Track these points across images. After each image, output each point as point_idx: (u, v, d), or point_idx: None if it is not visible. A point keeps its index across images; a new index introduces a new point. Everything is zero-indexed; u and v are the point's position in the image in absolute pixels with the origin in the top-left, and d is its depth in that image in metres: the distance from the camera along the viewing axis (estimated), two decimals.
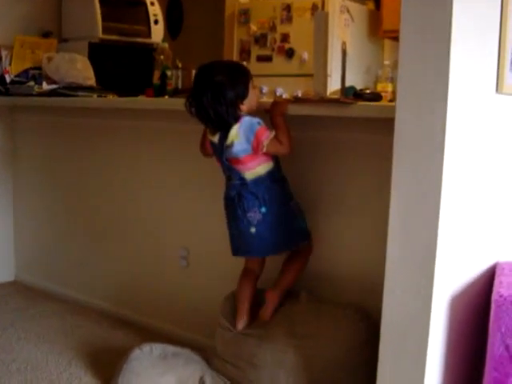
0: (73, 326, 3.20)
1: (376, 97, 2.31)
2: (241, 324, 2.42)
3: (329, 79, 3.24)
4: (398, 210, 1.83)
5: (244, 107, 2.29)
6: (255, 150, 2.28)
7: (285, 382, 2.27)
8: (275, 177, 2.36)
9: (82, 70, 3.54)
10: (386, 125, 1.90)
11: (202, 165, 2.67)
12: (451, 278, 1.88)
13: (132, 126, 3.21)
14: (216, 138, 2.34)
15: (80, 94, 3.32)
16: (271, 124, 2.36)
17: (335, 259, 2.51)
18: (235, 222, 2.37)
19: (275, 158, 2.38)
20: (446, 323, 1.89)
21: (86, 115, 3.41)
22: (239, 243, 2.40)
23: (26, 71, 3.67)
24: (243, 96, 2.28)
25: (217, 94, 2.24)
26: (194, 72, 3.20)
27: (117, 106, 3.17)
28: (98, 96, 3.26)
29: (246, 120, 2.28)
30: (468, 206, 1.90)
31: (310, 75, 4.42)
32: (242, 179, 2.33)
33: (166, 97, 3.09)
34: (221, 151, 2.34)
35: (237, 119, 2.28)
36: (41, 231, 3.84)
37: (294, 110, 2.38)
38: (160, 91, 3.17)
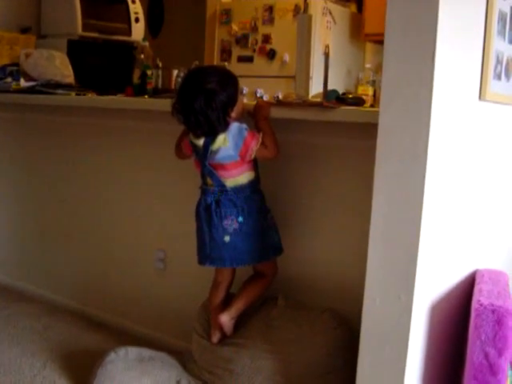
0: (47, 328, 3.14)
1: (359, 101, 2.30)
2: (215, 337, 2.40)
3: (310, 82, 3.22)
4: (380, 216, 1.82)
5: (233, 114, 2.26)
6: (243, 156, 2.25)
7: None
8: (255, 187, 2.33)
9: (61, 68, 3.49)
10: (369, 130, 1.89)
11: (180, 166, 2.64)
12: (431, 285, 1.87)
13: (109, 125, 3.17)
14: (201, 142, 2.28)
15: (58, 91, 3.26)
16: (255, 128, 2.34)
17: (313, 264, 2.49)
18: (209, 229, 2.31)
19: (257, 169, 2.35)
20: (426, 331, 1.89)
21: (63, 113, 3.36)
22: (210, 251, 2.33)
23: (3, 67, 3.61)
24: (234, 102, 2.24)
25: (209, 100, 2.18)
26: (174, 72, 3.20)
27: (95, 105, 3.12)
28: (76, 94, 3.21)
29: (234, 126, 2.25)
30: (449, 213, 1.90)
31: (291, 77, 4.43)
32: (222, 186, 2.29)
33: (146, 96, 3.05)
34: (204, 155, 2.29)
35: (227, 126, 2.24)
36: (15, 231, 3.79)
37: (275, 112, 2.35)
38: (140, 90, 3.14)
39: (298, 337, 2.26)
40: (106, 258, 3.27)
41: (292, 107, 2.30)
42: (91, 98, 3.11)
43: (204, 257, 2.35)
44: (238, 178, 2.28)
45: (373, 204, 1.81)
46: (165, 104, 2.74)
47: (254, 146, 2.24)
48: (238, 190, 2.28)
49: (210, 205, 2.30)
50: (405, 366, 1.82)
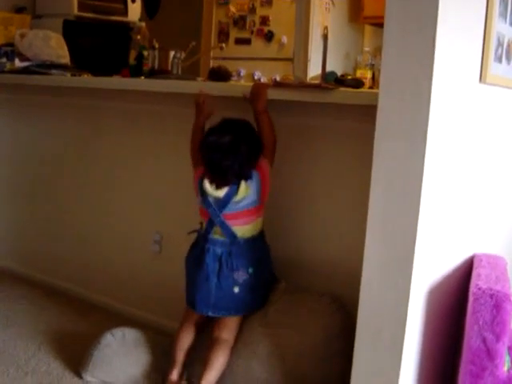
0: (42, 310, 3.14)
1: (358, 83, 2.27)
2: (174, 375, 2.31)
3: (308, 64, 3.19)
4: (377, 201, 1.80)
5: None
6: (263, 197, 2.27)
7: (258, 371, 2.24)
8: (264, 237, 2.36)
9: (56, 48, 3.45)
10: (368, 112, 1.87)
11: (178, 148, 2.62)
12: (429, 270, 1.86)
13: (105, 106, 3.14)
14: (220, 193, 2.23)
15: (53, 72, 3.23)
16: (254, 111, 2.31)
17: (312, 248, 2.48)
18: (218, 280, 2.27)
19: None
20: (423, 315, 1.88)
21: (59, 94, 3.33)
22: (216, 301, 2.29)
23: None
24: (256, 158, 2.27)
25: (251, 145, 2.22)
26: (171, 53, 3.16)
27: (91, 86, 3.09)
28: (71, 75, 3.18)
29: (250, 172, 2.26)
30: (447, 197, 1.88)
31: (289, 59, 4.40)
32: (234, 237, 2.27)
33: (142, 77, 3.02)
34: (221, 206, 2.24)
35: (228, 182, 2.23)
36: (8, 213, 3.76)
37: (273, 94, 2.33)
38: (136, 71, 3.11)
39: (296, 321, 2.26)
40: (103, 241, 3.25)
41: (290, 89, 2.27)
42: (86, 79, 3.08)
43: (206, 306, 2.31)
44: (250, 226, 2.28)
45: (371, 188, 1.80)
46: (162, 85, 2.72)
47: (268, 181, 2.27)
48: (249, 241, 2.28)
49: (221, 256, 2.27)
50: (402, 350, 1.81)
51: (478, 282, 1.81)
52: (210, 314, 2.32)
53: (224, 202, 2.23)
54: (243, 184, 2.22)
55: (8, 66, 3.41)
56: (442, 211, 1.86)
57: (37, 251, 3.61)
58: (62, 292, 3.38)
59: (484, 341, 1.76)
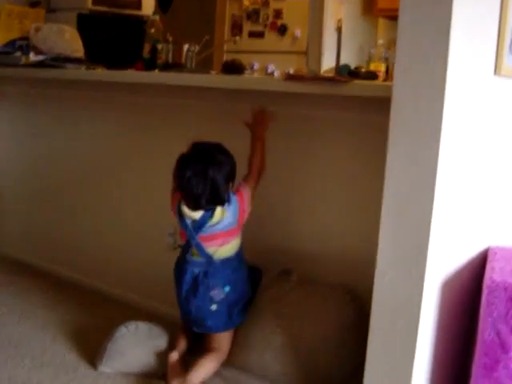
0: (56, 302, 3.16)
1: (372, 75, 2.27)
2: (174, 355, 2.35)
3: (322, 58, 3.19)
4: (392, 192, 1.80)
5: (230, 189, 2.30)
6: (241, 221, 2.30)
7: (272, 362, 2.25)
8: (241, 257, 2.36)
9: (71, 42, 3.46)
10: (382, 105, 1.86)
11: (188, 140, 2.62)
12: (443, 261, 1.86)
13: (121, 100, 3.16)
14: (196, 215, 2.27)
15: (68, 65, 3.25)
16: (253, 136, 2.36)
17: (325, 239, 2.49)
18: (195, 299, 2.33)
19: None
20: (437, 307, 1.88)
21: (73, 87, 3.35)
22: (195, 319, 2.36)
23: (13, 41, 3.59)
24: (234, 178, 2.29)
25: (223, 171, 2.22)
26: (185, 47, 3.17)
27: (105, 79, 3.10)
28: (86, 68, 3.19)
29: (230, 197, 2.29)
30: (462, 189, 1.88)
31: (303, 52, 4.40)
32: (210, 257, 2.30)
33: (156, 71, 3.03)
34: (197, 228, 2.29)
35: (226, 199, 2.26)
36: (23, 205, 3.79)
37: (286, 87, 2.33)
38: (150, 65, 3.12)
39: (310, 312, 2.27)
40: (117, 233, 3.27)
41: (304, 81, 2.27)
42: (101, 72, 3.09)
43: (189, 322, 2.41)
44: (225, 247, 2.30)
45: (385, 178, 1.80)
46: (176, 78, 2.73)
47: (248, 201, 2.31)
48: (225, 261, 2.30)
49: (198, 275, 2.31)
50: (415, 341, 1.81)
51: (493, 274, 1.81)
52: (194, 329, 2.41)
53: (200, 224, 2.27)
54: (219, 208, 2.25)
55: (23, 59, 3.42)
56: (456, 203, 1.86)
57: (52, 244, 3.64)
58: (77, 284, 3.40)
59: (498, 333, 1.76)
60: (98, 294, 3.26)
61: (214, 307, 2.30)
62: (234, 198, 2.28)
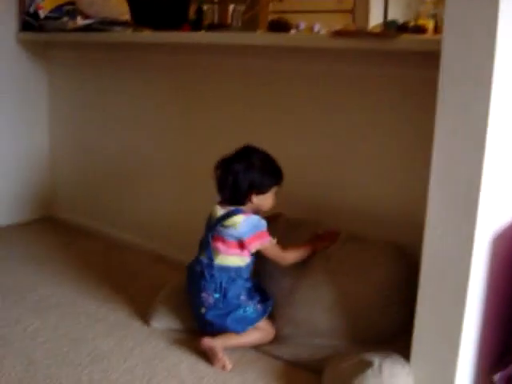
0: (110, 262, 3.25)
1: (420, 29, 2.22)
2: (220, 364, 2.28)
3: (368, 15, 3.14)
4: (441, 147, 1.78)
5: (255, 200, 2.30)
6: (244, 245, 2.27)
7: (321, 319, 2.27)
8: (240, 274, 2.33)
9: (117, 5, 3.48)
10: (430, 59, 1.84)
11: (242, 96, 2.63)
12: (494, 217, 1.84)
13: (169, 61, 3.17)
14: (219, 212, 2.31)
15: (115, 28, 3.26)
16: (309, 245, 2.36)
17: (375, 197, 2.48)
18: (190, 297, 2.40)
19: (254, 259, 2.36)
20: (487, 263, 1.87)
21: (120, 50, 3.38)
22: (193, 317, 2.41)
23: (59, 7, 3.62)
24: (260, 190, 2.29)
25: (246, 170, 2.27)
26: (230, 7, 3.15)
27: (152, 41, 3.11)
28: (133, 31, 3.20)
29: (254, 218, 2.29)
30: None
31: (349, 11, 4.32)
32: (211, 260, 2.31)
33: (203, 31, 3.03)
34: (213, 226, 2.32)
35: (244, 203, 2.30)
36: (79, 168, 3.86)
37: (334, 43, 2.32)
38: (196, 26, 3.11)
39: (359, 269, 2.26)
40: (171, 194, 3.32)
41: (351, 37, 2.24)
42: (148, 35, 3.09)
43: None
44: (229, 257, 2.30)
45: (435, 133, 1.77)
46: (222, 37, 2.72)
47: (259, 245, 2.28)
48: (223, 269, 2.30)
49: (197, 273, 2.34)
50: (465, 298, 1.80)
51: None
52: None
53: (216, 222, 2.30)
54: (238, 217, 2.27)
55: (70, 24, 3.45)
56: (507, 158, 1.83)
57: (105, 206, 3.71)
58: (128, 246, 3.48)
59: None
60: (150, 255, 3.33)
61: (203, 310, 2.32)
62: (259, 227, 2.28)
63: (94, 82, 3.62)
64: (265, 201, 2.32)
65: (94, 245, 3.53)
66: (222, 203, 2.33)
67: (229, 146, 2.34)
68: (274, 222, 2.51)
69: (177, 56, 3.11)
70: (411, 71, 2.28)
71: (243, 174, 2.27)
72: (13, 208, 3.88)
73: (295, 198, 2.63)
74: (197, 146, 3.11)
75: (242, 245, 2.28)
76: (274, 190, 2.33)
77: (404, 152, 2.37)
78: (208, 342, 2.25)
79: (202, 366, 2.22)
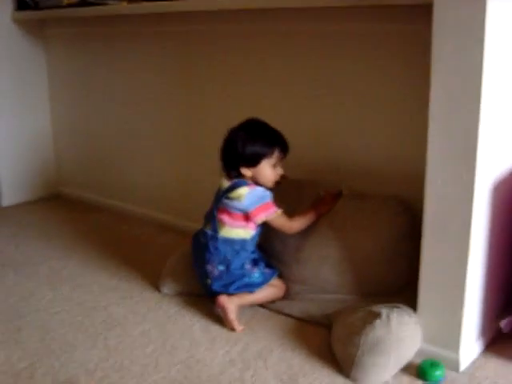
0: (118, 234, 3.30)
1: None
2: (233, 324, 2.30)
3: None
4: (438, 99, 1.79)
5: (246, 172, 2.30)
6: (249, 216, 2.29)
7: (329, 274, 2.31)
8: (245, 247, 2.34)
9: None
10: (422, 12, 1.85)
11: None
12: (494, 165, 1.87)
13: (167, 31, 3.18)
14: (225, 184, 2.33)
15: (109, 2, 3.26)
16: (312, 208, 2.37)
17: (374, 153, 2.51)
18: (197, 267, 2.42)
19: (260, 231, 2.37)
20: (489, 211, 1.89)
21: (117, 23, 3.38)
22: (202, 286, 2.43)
23: None
24: (248, 163, 2.29)
25: (232, 141, 2.29)
26: None
27: (148, 11, 3.09)
28: (128, 2, 3.20)
29: (258, 189, 2.29)
30: (509, 91, 1.86)
31: None
32: (216, 232, 2.33)
33: None
34: (219, 198, 2.34)
35: (236, 176, 2.31)
36: (82, 144, 3.89)
37: (324, 1, 2.34)
38: None
39: (364, 224, 2.29)
40: (175, 163, 3.36)
41: None
42: (144, 5, 3.09)
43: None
44: (233, 229, 2.31)
45: (431, 84, 1.79)
46: (223, 2, 2.71)
47: (264, 217, 2.29)
48: (227, 241, 2.31)
49: (202, 246, 2.36)
50: (468, 246, 1.83)
51: None
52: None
53: (222, 194, 2.32)
54: (242, 189, 2.28)
55: (65, 0, 3.46)
56: (503, 106, 1.85)
57: (109, 179, 3.76)
58: (137, 216, 3.54)
59: None
60: (157, 225, 3.38)
61: (208, 282, 2.35)
62: (264, 199, 2.29)
63: (93, 57, 3.64)
64: (259, 174, 2.30)
65: (101, 218, 3.58)
66: (228, 175, 2.35)
67: (236, 114, 2.36)
68: (277, 184, 2.54)
69: (177, 27, 3.11)
70: (408, 26, 2.29)
71: (229, 147, 2.30)
72: (20, 187, 3.93)
73: (296, 159, 2.66)
74: (202, 116, 3.13)
75: (247, 217, 2.30)
76: (267, 162, 2.29)
77: (404, 106, 2.39)
78: (223, 300, 2.29)
79: (213, 327, 2.26)
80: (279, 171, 2.34)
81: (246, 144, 2.27)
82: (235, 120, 2.34)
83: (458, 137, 1.77)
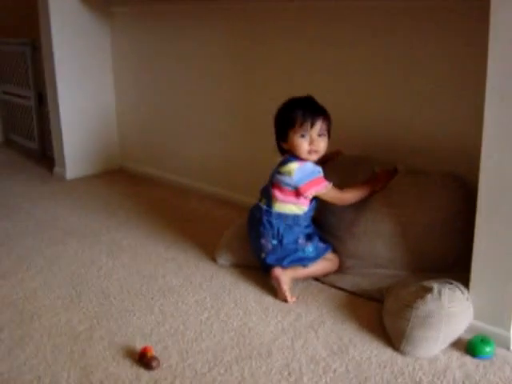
0: (177, 207, 3.38)
1: None
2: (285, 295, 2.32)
3: None
4: (496, 74, 1.78)
5: (285, 146, 2.36)
6: (300, 192, 2.31)
7: (382, 250, 2.32)
8: (298, 222, 2.36)
9: None
10: None
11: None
12: None
13: (222, 8, 3.22)
14: (279, 159, 2.39)
15: None
16: (365, 181, 2.39)
17: (430, 130, 2.50)
18: (252, 240, 2.47)
19: (314, 206, 2.40)
20: None
21: (179, 2, 3.44)
22: (257, 259, 2.47)
23: None
24: (281, 137, 2.36)
25: (276, 122, 2.38)
26: None
27: None
28: None
29: (308, 165, 2.32)
30: None
31: None
32: (270, 207, 2.36)
33: None
34: (274, 173, 2.39)
35: (282, 153, 2.38)
36: (142, 119, 3.98)
37: None
38: None
39: (419, 199, 2.29)
40: (230, 140, 3.41)
41: None
42: None
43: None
44: (286, 205, 2.34)
45: (488, 58, 1.77)
46: None
47: (314, 192, 2.31)
48: (280, 216, 2.35)
49: (257, 220, 2.40)
50: None
51: None
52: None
53: (276, 168, 2.37)
54: (293, 164, 2.31)
55: None
56: None
57: (169, 155, 3.83)
58: (194, 191, 3.63)
59: None
60: (214, 199, 3.46)
61: (263, 255, 2.39)
62: (314, 174, 2.31)
63: (155, 35, 3.70)
64: (291, 147, 2.32)
65: (161, 192, 3.66)
66: (279, 151, 2.40)
67: (293, 92, 2.38)
68: (332, 160, 2.56)
69: (241, 4, 3.14)
70: (467, 1, 2.27)
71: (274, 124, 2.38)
72: (84, 161, 4.05)
73: (352, 135, 2.67)
74: (260, 93, 3.17)
75: (297, 193, 2.33)
76: (294, 133, 2.30)
77: (462, 82, 2.37)
78: (277, 272, 2.34)
79: (267, 298, 2.31)
80: (317, 143, 2.30)
81: (276, 119, 2.37)
82: (292, 95, 2.36)
83: None
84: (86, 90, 3.96)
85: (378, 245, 2.32)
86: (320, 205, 2.41)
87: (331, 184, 2.33)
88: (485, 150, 1.85)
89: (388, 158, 2.53)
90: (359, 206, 2.38)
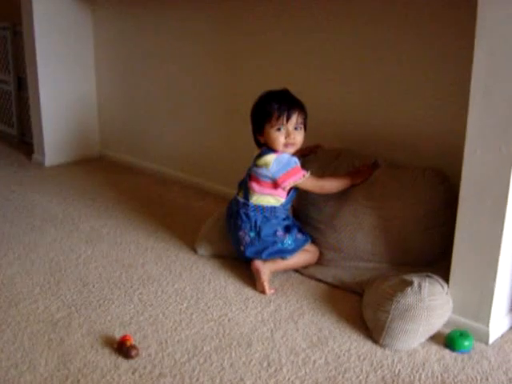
0: (157, 196, 3.36)
1: None
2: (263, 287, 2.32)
3: None
4: (481, 67, 1.78)
5: (261, 139, 2.36)
6: (278, 183, 2.30)
7: (363, 243, 2.32)
8: (275, 214, 2.37)
9: None
10: None
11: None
12: None
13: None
14: (256, 152, 2.38)
15: None
16: (348, 176, 2.37)
17: (412, 125, 2.50)
18: (231, 233, 2.47)
19: (292, 198, 2.39)
20: None
21: None
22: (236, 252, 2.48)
23: None
24: (256, 130, 2.36)
25: (252, 114, 2.38)
26: None
27: None
28: None
29: (284, 156, 2.31)
30: None
31: None
32: (247, 199, 2.37)
33: None
34: (251, 166, 2.39)
35: (259, 146, 2.38)
36: (123, 107, 3.95)
37: None
38: None
39: (400, 193, 2.29)
40: (210, 130, 3.40)
41: None
42: None
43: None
44: (263, 197, 2.34)
45: (474, 54, 1.78)
46: None
47: (292, 182, 2.30)
48: (257, 208, 2.35)
49: (234, 213, 2.41)
50: (504, 218, 1.83)
51: None
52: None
53: (253, 161, 2.37)
54: (269, 156, 2.30)
55: None
56: None
57: (149, 144, 3.81)
58: (173, 180, 3.61)
59: None
60: (195, 189, 3.45)
61: (241, 248, 2.39)
62: (290, 164, 2.30)
63: (136, 22, 3.68)
64: (267, 140, 2.32)
65: (141, 181, 3.64)
66: (256, 143, 2.40)
67: (276, 83, 2.37)
68: (313, 153, 2.56)
69: None
70: None
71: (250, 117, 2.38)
72: (63, 148, 4.01)
73: (333, 128, 2.68)
74: (242, 83, 3.16)
75: (275, 184, 2.33)
76: (270, 127, 2.29)
77: (444, 75, 2.38)
78: (257, 264, 2.34)
79: (247, 289, 2.31)
80: (293, 136, 2.30)
81: (252, 112, 2.37)
82: (274, 88, 2.36)
83: (499, 108, 1.76)
84: (67, 76, 3.92)
85: (358, 238, 2.33)
86: (301, 197, 2.41)
87: (309, 173, 2.33)
88: (468, 145, 1.86)
89: (369, 152, 2.53)
90: (340, 199, 2.38)
